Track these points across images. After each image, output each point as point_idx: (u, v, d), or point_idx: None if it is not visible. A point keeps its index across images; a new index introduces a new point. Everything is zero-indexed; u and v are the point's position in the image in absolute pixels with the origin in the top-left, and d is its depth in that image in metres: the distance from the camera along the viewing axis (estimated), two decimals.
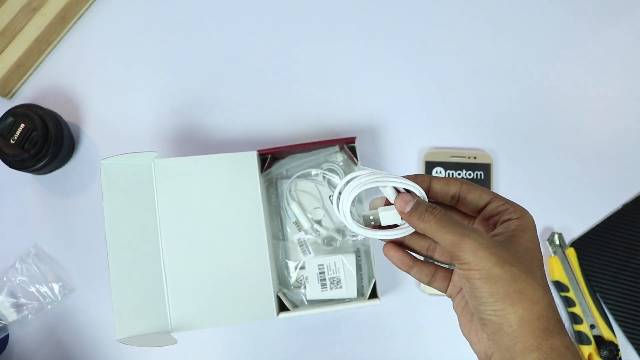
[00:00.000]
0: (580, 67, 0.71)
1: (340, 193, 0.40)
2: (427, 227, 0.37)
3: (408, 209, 0.39)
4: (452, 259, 0.37)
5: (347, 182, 0.40)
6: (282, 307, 0.61)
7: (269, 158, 0.64)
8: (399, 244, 0.42)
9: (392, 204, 0.40)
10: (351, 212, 0.41)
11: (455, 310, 0.41)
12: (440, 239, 0.37)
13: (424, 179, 0.40)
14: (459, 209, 0.42)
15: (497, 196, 0.39)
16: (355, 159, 0.64)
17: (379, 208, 0.41)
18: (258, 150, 0.63)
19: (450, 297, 0.42)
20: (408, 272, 0.42)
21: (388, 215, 0.41)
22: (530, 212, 0.39)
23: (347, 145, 0.64)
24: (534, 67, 0.71)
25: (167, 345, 0.55)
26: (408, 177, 0.40)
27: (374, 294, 0.60)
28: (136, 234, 0.58)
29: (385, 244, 0.42)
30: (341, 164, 0.66)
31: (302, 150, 0.65)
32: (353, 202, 0.40)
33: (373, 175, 0.39)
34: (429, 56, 0.71)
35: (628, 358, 0.65)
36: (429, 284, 0.43)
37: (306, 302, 0.63)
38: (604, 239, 0.67)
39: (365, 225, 0.42)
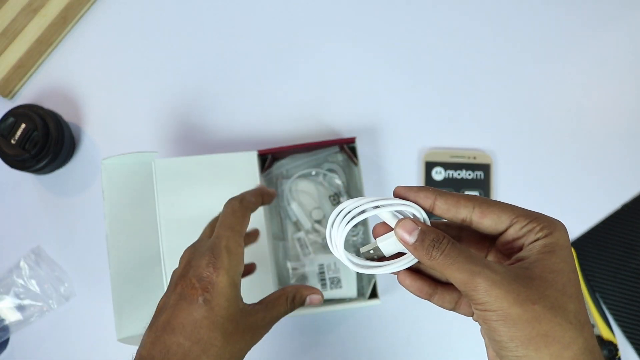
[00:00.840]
0: (580, 67, 0.71)
1: (331, 233, 0.35)
2: (435, 264, 0.33)
3: (412, 240, 0.33)
4: (467, 299, 0.33)
5: (334, 221, 0.34)
6: None
7: (269, 158, 0.64)
8: (415, 269, 0.37)
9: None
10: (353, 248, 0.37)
11: (483, 337, 0.35)
12: (450, 277, 0.32)
13: (427, 194, 0.34)
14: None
15: (519, 216, 0.33)
16: (355, 159, 0.64)
17: (376, 239, 0.36)
18: (258, 150, 0.63)
19: (477, 321, 0.36)
20: (429, 300, 0.37)
21: (389, 245, 0.35)
22: (560, 223, 0.33)
23: (347, 146, 0.64)
24: (533, 67, 0.71)
25: None
26: (410, 190, 0.35)
27: (374, 294, 0.60)
28: (136, 233, 0.58)
29: (399, 274, 0.37)
30: (341, 163, 0.66)
31: (302, 150, 0.65)
32: (352, 235, 0.36)
33: (360, 202, 0.34)
34: (429, 56, 0.71)
35: (627, 358, 0.65)
36: (453, 310, 0.37)
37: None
38: (604, 239, 0.67)
39: (368, 259, 0.36)
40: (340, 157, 0.66)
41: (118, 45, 0.73)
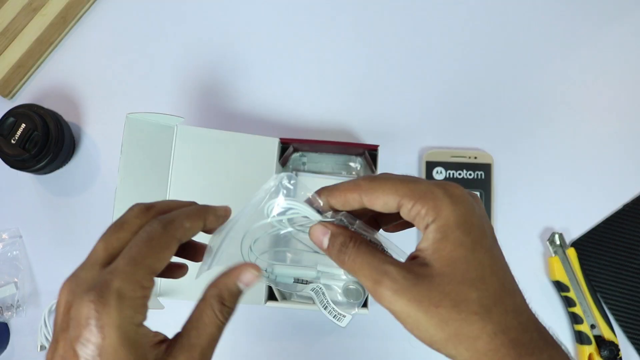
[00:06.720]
0: (581, 66, 0.71)
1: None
2: (346, 269, 0.32)
3: (324, 244, 0.32)
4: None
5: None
6: (271, 297, 0.61)
7: (290, 148, 0.63)
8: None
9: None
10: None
11: None
12: (362, 283, 0.31)
13: (318, 197, 0.33)
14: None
15: (403, 197, 0.30)
16: (373, 167, 0.63)
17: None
18: (280, 138, 0.61)
19: None
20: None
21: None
22: (448, 194, 0.30)
23: (369, 152, 0.63)
24: (534, 66, 0.71)
25: (154, 310, 0.53)
26: (314, 198, 0.33)
27: (363, 304, 0.58)
28: (146, 196, 0.57)
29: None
30: (358, 168, 0.66)
31: (325, 148, 0.64)
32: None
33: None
34: (430, 56, 0.71)
35: (629, 358, 0.65)
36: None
37: (296, 297, 0.63)
38: (605, 239, 0.66)
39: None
40: (359, 161, 0.66)
41: (118, 45, 0.73)
